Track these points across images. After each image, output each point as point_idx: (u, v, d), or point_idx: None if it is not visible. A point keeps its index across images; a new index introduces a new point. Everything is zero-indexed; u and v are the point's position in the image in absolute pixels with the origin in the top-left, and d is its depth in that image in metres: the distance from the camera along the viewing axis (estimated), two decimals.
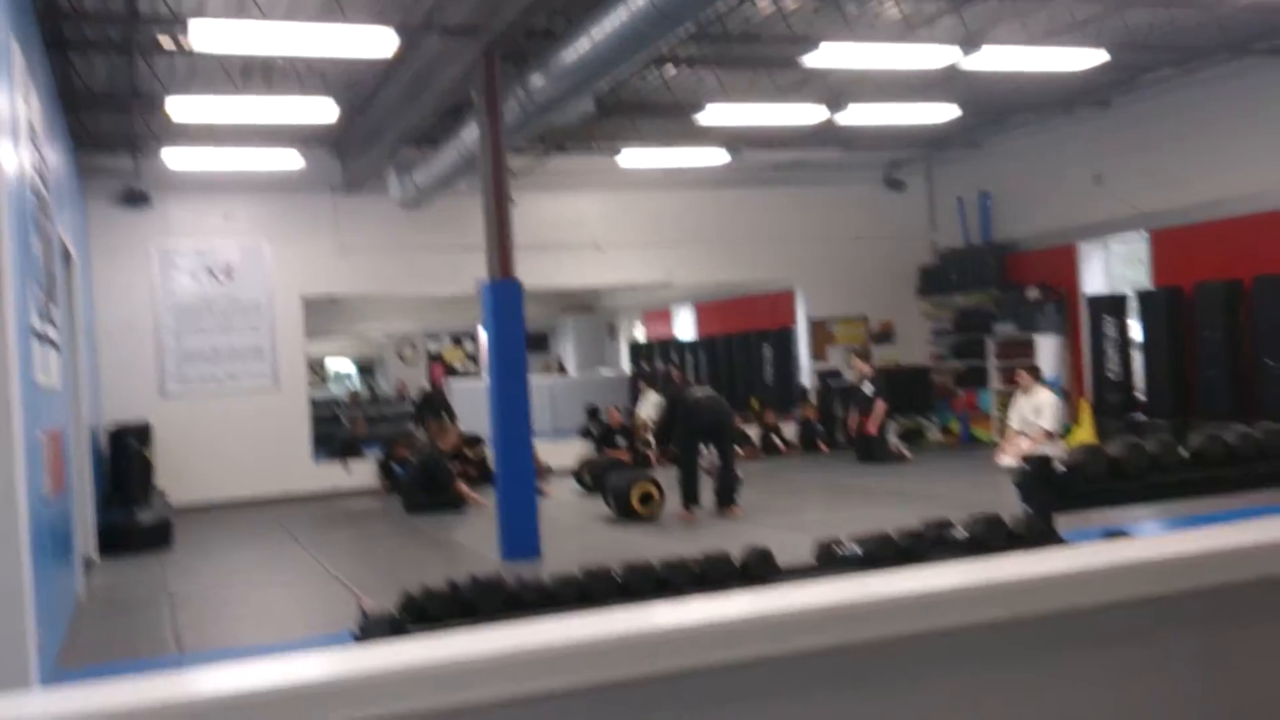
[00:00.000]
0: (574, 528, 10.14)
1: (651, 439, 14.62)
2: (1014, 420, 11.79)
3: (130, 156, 12.76)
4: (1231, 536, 1.98)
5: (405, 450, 14.11)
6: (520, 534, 8.59)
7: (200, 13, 8.57)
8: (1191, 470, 4.86)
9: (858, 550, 4.66)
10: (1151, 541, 2.14)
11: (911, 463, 13.65)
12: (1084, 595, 1.81)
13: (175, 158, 12.28)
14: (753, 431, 15.73)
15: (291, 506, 12.82)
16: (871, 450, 13.73)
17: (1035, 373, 11.95)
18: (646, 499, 10.07)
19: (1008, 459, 11.12)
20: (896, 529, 4.98)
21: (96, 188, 12.97)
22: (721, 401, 10.62)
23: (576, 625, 1.57)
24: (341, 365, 26.85)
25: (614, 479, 10.64)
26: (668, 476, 10.54)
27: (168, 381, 13.26)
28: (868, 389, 13.92)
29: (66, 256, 8.78)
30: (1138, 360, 13.31)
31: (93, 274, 12.55)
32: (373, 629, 3.71)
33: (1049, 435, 11.29)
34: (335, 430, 17.84)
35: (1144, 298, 13.11)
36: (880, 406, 13.65)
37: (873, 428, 13.67)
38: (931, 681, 1.76)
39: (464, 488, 11.85)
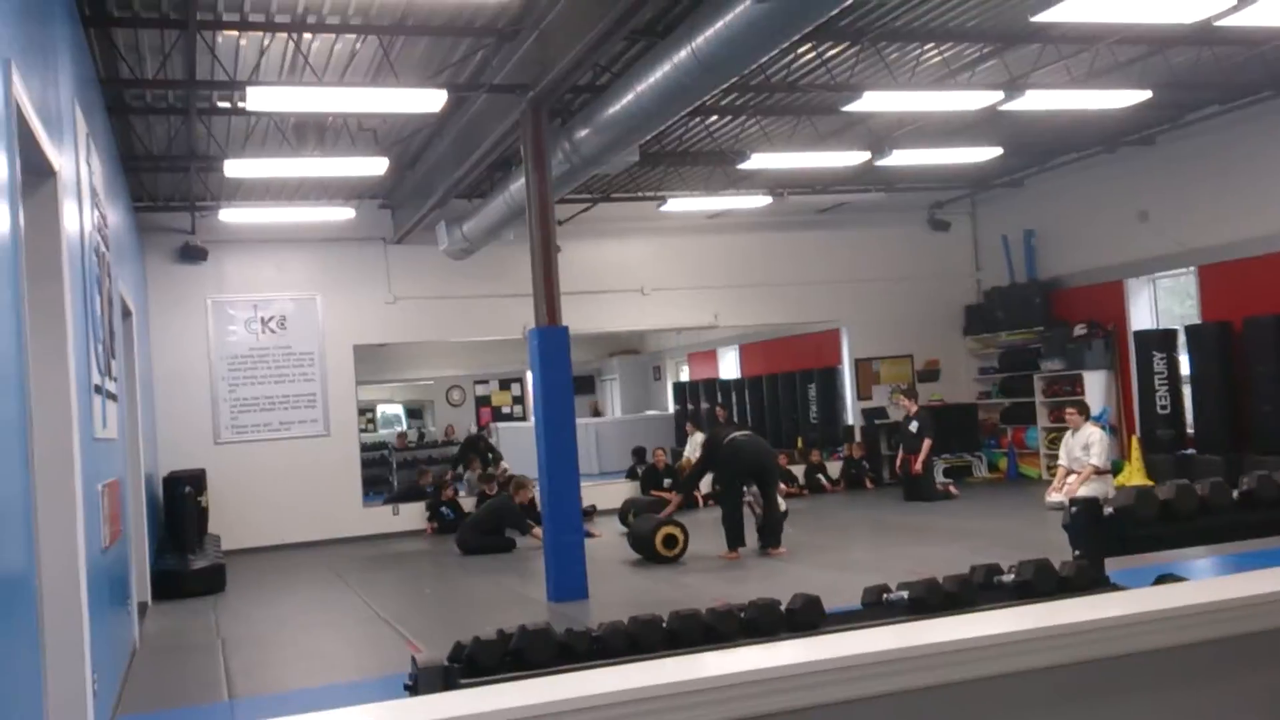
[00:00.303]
0: (621, 569, 10.17)
1: (678, 480, 14.71)
2: (1063, 458, 11.68)
3: (188, 213, 13.19)
4: None
5: (453, 492, 14.27)
6: (568, 576, 8.65)
7: (256, 77, 8.86)
8: (1243, 512, 4.80)
9: (905, 596, 4.65)
10: (1206, 585, 2.14)
11: (958, 500, 13.54)
12: (1140, 640, 1.82)
13: (231, 214, 12.64)
14: (798, 470, 15.70)
15: (341, 549, 12.99)
16: (918, 488, 13.67)
17: (1083, 409, 11.84)
18: (670, 542, 10.11)
19: (1056, 496, 11.00)
20: (944, 574, 4.96)
21: (155, 244, 13.37)
22: (761, 442, 10.64)
23: (627, 675, 1.62)
24: (391, 409, 27.17)
25: (637, 524, 10.69)
26: (710, 518, 10.55)
27: (222, 429, 13.54)
28: (913, 427, 13.86)
29: (126, 311, 9.04)
30: (1187, 396, 13.13)
31: (150, 327, 12.89)
32: (425, 680, 3.76)
33: (1098, 471, 11.16)
34: (401, 478, 18.27)
35: (1193, 333, 12.96)
36: (926, 444, 13.58)
37: (919, 465, 13.60)
38: None
39: (540, 533, 11.73)
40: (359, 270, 14.22)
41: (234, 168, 10.27)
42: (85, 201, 5.96)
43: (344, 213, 12.92)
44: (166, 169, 11.78)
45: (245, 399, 13.64)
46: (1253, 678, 2.01)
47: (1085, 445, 11.36)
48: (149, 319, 12.82)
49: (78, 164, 5.70)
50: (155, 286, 13.26)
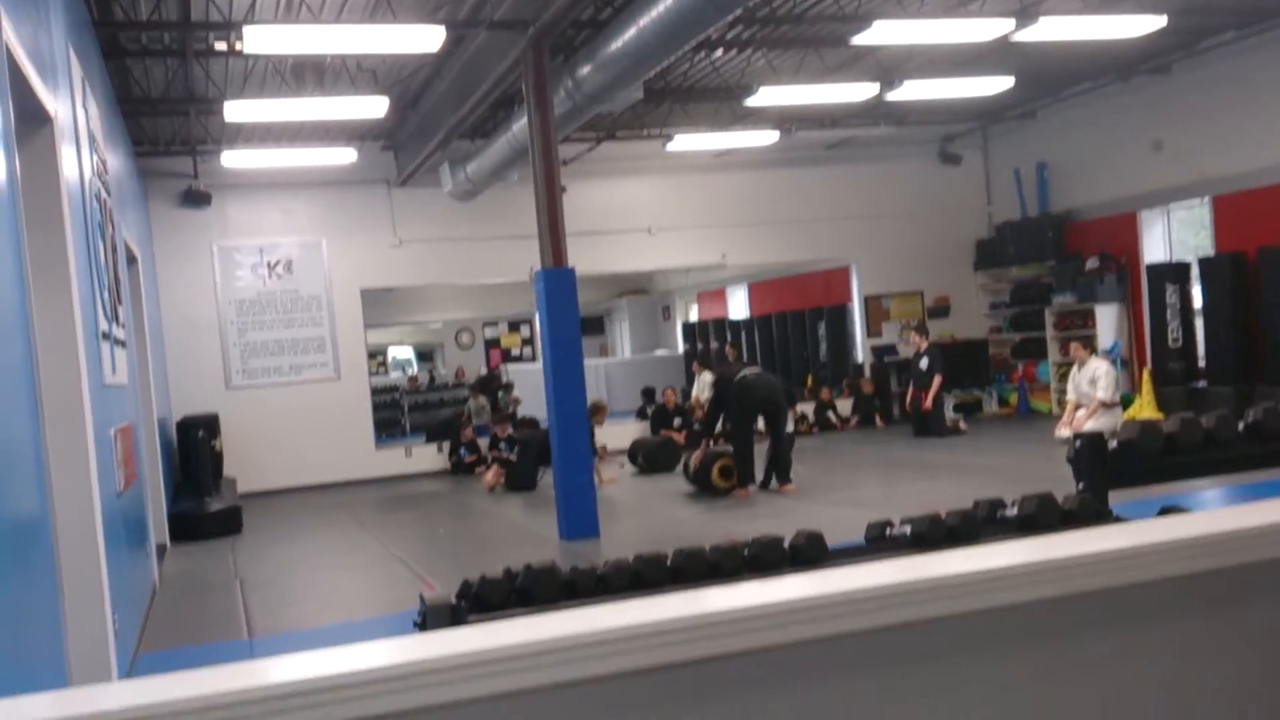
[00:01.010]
0: (631, 508, 10.25)
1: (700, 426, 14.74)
2: (1070, 393, 11.68)
3: (190, 158, 13.11)
4: None
5: (471, 433, 14.33)
6: (578, 515, 8.73)
7: (252, 17, 8.76)
8: (1248, 444, 4.80)
9: (907, 531, 4.68)
10: (1207, 516, 2.14)
11: (968, 436, 13.57)
12: (1140, 571, 1.83)
13: (233, 158, 12.58)
14: (808, 408, 15.74)
15: (355, 491, 13.13)
16: (928, 424, 13.70)
17: (1088, 344, 11.84)
18: (727, 473, 10.27)
19: (1065, 431, 11.02)
20: (947, 508, 4.98)
21: (158, 189, 13.33)
22: (770, 379, 10.65)
23: (630, 611, 1.64)
24: (402, 353, 27.28)
25: (693, 455, 10.72)
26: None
27: (233, 374, 13.61)
28: (923, 363, 13.84)
29: (131, 258, 9.05)
30: (1200, 329, 13.06)
31: (157, 272, 12.91)
32: (433, 617, 3.82)
33: (1106, 405, 11.16)
34: (413, 420, 18.38)
35: (1206, 265, 12.86)
36: (937, 380, 13.58)
37: (929, 402, 13.61)
38: (984, 660, 1.80)
39: (602, 470, 11.55)
40: (363, 213, 14.18)
41: (234, 110, 10.19)
42: (84, 147, 5.93)
43: (346, 155, 12.84)
44: (166, 113, 11.70)
45: (255, 343, 13.69)
46: (1253, 608, 2.01)
47: (1092, 379, 11.34)
48: (155, 265, 12.83)
49: (74, 109, 5.66)
50: (160, 232, 13.25)
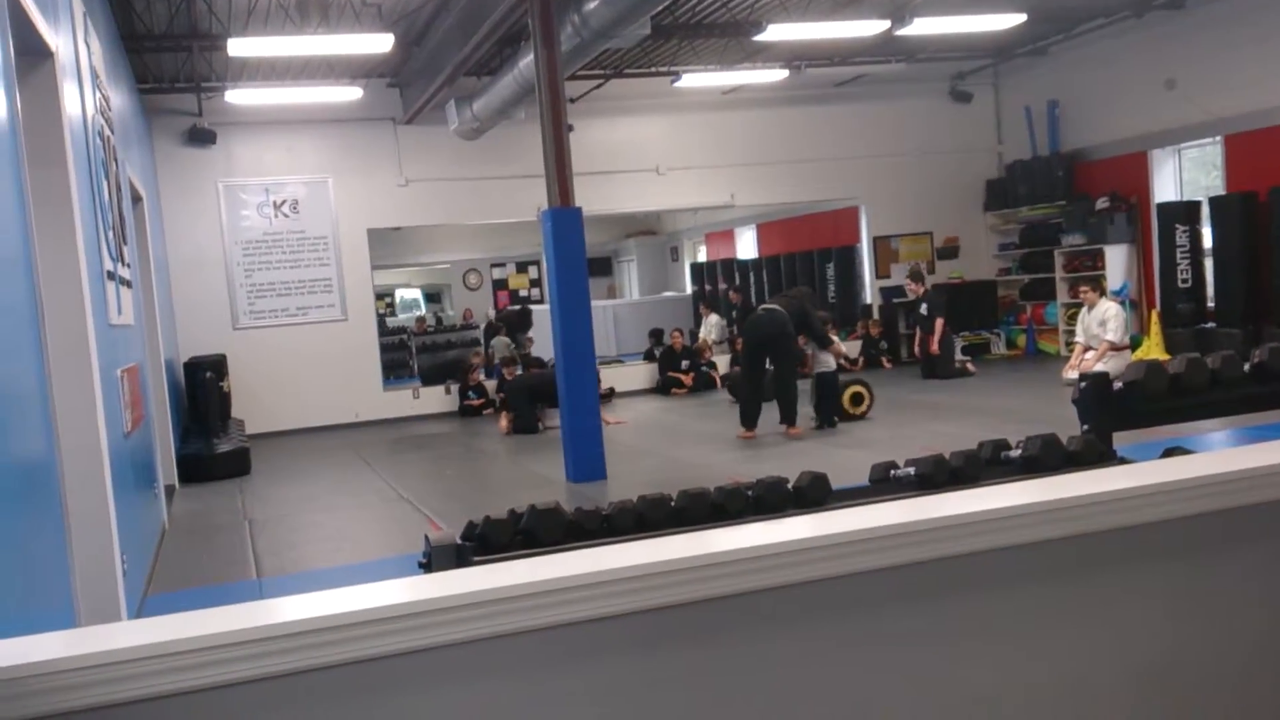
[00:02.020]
0: (638, 450, 10.29)
1: (695, 361, 14.82)
2: (1080, 335, 11.65)
3: (194, 95, 12.99)
4: None
5: (480, 375, 14.36)
6: (586, 457, 8.77)
7: None
8: (1253, 385, 4.78)
9: (912, 472, 4.69)
10: (1209, 458, 2.14)
11: (976, 377, 13.56)
12: (1142, 512, 1.83)
13: (238, 95, 12.46)
14: (854, 346, 15.66)
15: (363, 432, 13.20)
16: (935, 366, 13.71)
17: (1097, 286, 11.79)
18: (858, 399, 10.60)
19: (1073, 373, 11.00)
20: (953, 449, 4.99)
21: (162, 127, 13.23)
22: (776, 314, 10.08)
23: (632, 552, 1.65)
24: (409, 294, 27.24)
25: (823, 382, 10.48)
26: (727, 399, 10.57)
27: (240, 315, 13.62)
28: (923, 309, 13.87)
29: (136, 196, 9.00)
30: (1209, 269, 12.98)
31: (162, 211, 12.86)
32: (438, 557, 3.85)
33: (1115, 347, 11.13)
34: (421, 362, 18.34)
35: (1217, 204, 12.73)
36: (939, 323, 13.56)
37: (935, 345, 13.60)
38: (986, 599, 1.81)
39: (610, 417, 11.65)
40: (369, 152, 14.08)
41: (237, 46, 10.06)
42: (86, 83, 5.87)
43: (352, 92, 12.70)
44: (169, 49, 11.57)
45: (261, 284, 13.68)
46: (1255, 548, 2.02)
47: (1101, 321, 11.30)
48: (160, 204, 12.78)
49: (76, 44, 5.59)
50: (165, 171, 13.18)
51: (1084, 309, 11.70)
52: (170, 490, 9.48)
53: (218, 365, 12.17)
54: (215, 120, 13.28)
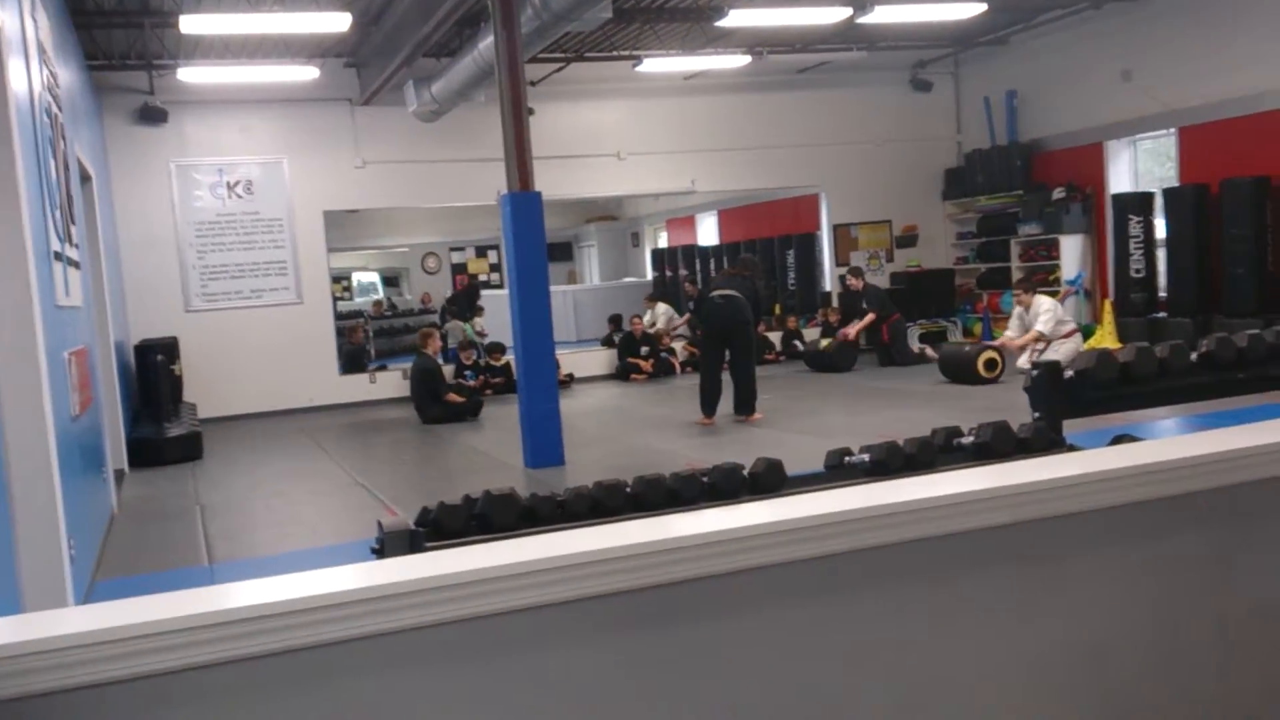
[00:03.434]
0: (597, 436, 10.27)
1: (655, 347, 14.89)
2: (1012, 329, 11.86)
3: (145, 73, 12.73)
4: (1238, 439, 2.01)
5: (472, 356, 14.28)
6: (544, 443, 8.74)
7: None
8: (1201, 374, 4.84)
9: (866, 458, 4.71)
10: (1156, 445, 2.17)
11: (934, 364, 13.68)
12: (1091, 499, 1.86)
13: (190, 73, 12.24)
14: (775, 336, 15.79)
15: (318, 417, 13.06)
16: (892, 354, 13.85)
17: (1028, 286, 12.01)
18: (991, 365, 11.41)
19: (1024, 361, 11.16)
20: (907, 436, 5.02)
21: (113, 105, 12.96)
22: (735, 302, 9.98)
23: (586, 538, 1.64)
24: (366, 277, 27.00)
25: (949, 350, 12.04)
26: (689, 384, 10.56)
27: (192, 297, 13.41)
28: (863, 303, 14.20)
29: (85, 176, 8.83)
30: (1162, 259, 13.16)
31: (113, 191, 12.62)
32: (391, 543, 3.81)
33: (1043, 337, 11.38)
34: (378, 345, 18.07)
35: (1170, 195, 12.91)
36: (869, 317, 13.97)
37: (853, 332, 14.06)
38: (935, 584, 1.83)
39: (454, 397, 11.97)
40: (326, 133, 13.89)
41: (190, 23, 9.88)
42: (33, 59, 5.73)
43: (308, 72, 12.52)
44: (120, 25, 11.32)
45: (214, 266, 13.47)
46: (1200, 533, 2.06)
47: (1035, 315, 11.55)
48: (111, 184, 12.54)
49: (21, 18, 5.46)
50: (115, 150, 12.93)
51: (1017, 310, 11.88)
52: (120, 474, 9.33)
53: (169, 348, 11.99)
54: (167, 99, 13.04)
